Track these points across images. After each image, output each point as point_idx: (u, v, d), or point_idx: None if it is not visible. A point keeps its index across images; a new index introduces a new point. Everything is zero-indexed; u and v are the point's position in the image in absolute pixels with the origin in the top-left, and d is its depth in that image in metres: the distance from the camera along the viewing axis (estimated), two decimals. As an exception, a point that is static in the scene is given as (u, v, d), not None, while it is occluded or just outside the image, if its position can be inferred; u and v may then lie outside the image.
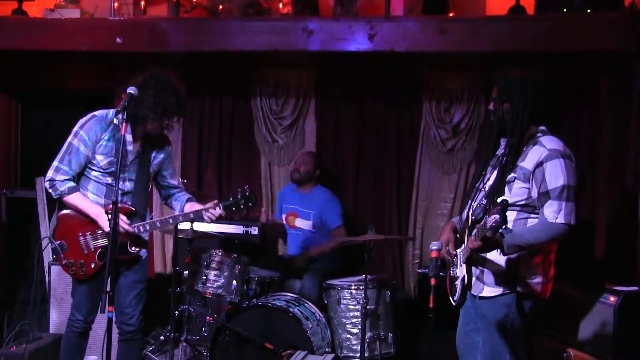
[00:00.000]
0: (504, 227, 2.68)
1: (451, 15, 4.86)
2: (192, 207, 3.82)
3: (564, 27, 4.48)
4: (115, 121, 3.59)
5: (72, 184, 3.58)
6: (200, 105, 5.61)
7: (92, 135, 3.56)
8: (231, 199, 3.76)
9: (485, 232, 2.75)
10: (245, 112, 5.62)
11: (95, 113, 3.65)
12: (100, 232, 3.61)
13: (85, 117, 3.66)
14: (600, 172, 5.04)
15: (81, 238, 3.61)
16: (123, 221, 3.54)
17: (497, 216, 2.64)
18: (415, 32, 4.61)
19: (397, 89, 5.44)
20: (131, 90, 3.29)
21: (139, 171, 3.72)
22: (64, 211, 3.66)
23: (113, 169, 3.55)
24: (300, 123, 5.58)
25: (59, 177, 3.55)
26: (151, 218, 3.81)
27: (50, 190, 3.60)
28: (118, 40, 4.80)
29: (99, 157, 3.59)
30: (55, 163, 3.58)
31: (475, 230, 2.92)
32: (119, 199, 3.38)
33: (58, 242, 3.61)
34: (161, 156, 3.82)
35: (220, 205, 3.74)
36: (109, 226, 3.07)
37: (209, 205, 3.75)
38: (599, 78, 5.05)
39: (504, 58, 4.61)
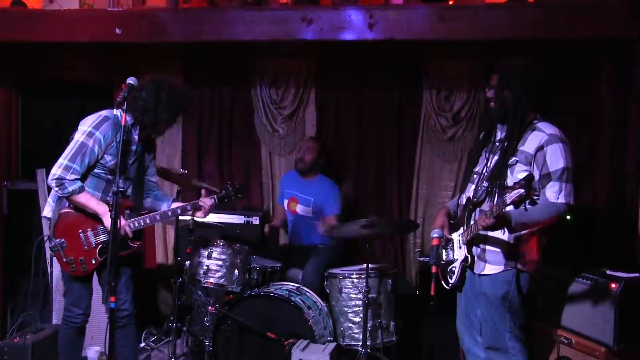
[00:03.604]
0: (527, 201, 2.74)
1: (451, 3, 4.84)
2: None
3: (564, 14, 4.46)
4: (118, 114, 3.58)
5: (81, 183, 3.55)
6: (200, 96, 5.58)
7: (107, 138, 3.55)
8: (224, 191, 4.02)
9: (504, 207, 2.82)
10: (245, 102, 5.60)
11: (107, 114, 3.59)
12: (101, 227, 3.63)
13: (94, 116, 3.60)
14: (601, 159, 5.04)
15: (81, 235, 3.62)
16: (124, 221, 3.59)
17: (522, 190, 2.71)
18: (415, 20, 4.60)
19: (397, 78, 5.43)
20: (131, 80, 3.29)
21: (138, 169, 3.77)
22: (64, 210, 3.64)
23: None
24: (301, 112, 5.56)
25: (70, 177, 3.49)
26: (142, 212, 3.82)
27: (56, 188, 3.51)
28: (117, 31, 4.79)
29: (107, 158, 3.60)
30: (64, 162, 3.49)
31: (487, 208, 3.01)
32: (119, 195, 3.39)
33: (58, 240, 3.60)
34: (151, 156, 3.94)
35: (215, 197, 3.97)
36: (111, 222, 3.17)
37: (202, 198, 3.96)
38: (600, 65, 5.03)
39: (504, 46, 4.60)
